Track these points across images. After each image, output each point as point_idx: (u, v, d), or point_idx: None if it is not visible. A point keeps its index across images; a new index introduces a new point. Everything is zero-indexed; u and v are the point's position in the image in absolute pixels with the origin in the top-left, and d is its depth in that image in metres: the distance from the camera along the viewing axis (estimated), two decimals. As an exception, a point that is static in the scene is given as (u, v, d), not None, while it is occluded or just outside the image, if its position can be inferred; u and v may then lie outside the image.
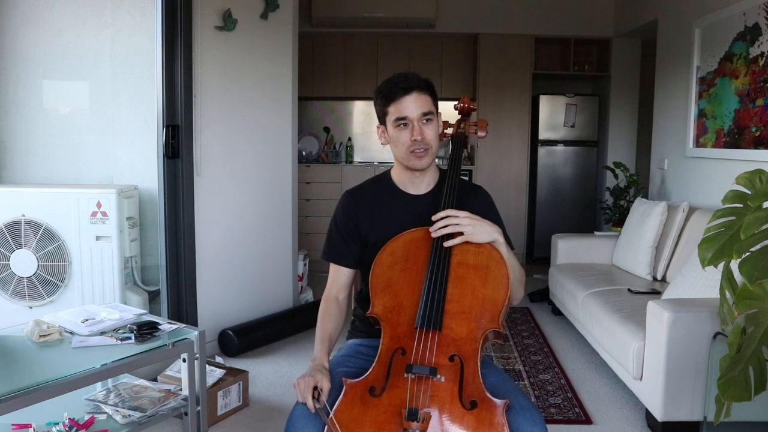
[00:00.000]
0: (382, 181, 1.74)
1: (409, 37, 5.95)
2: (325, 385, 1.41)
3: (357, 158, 6.31)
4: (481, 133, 1.75)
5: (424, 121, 1.58)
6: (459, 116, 1.80)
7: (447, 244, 1.49)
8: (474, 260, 1.51)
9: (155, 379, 2.51)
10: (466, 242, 1.52)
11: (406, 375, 1.37)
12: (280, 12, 3.60)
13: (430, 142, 1.59)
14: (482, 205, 1.70)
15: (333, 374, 1.52)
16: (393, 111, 1.58)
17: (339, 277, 1.71)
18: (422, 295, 1.46)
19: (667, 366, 2.32)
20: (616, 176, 4.87)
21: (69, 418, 1.79)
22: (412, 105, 1.56)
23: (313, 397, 1.38)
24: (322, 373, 1.45)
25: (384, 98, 1.59)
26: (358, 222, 1.69)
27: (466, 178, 5.55)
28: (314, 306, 3.99)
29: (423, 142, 1.58)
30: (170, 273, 3.06)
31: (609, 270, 3.83)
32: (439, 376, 1.36)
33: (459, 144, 1.72)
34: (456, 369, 1.39)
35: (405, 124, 1.58)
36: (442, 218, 1.49)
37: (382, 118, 1.64)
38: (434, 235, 1.49)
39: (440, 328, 1.43)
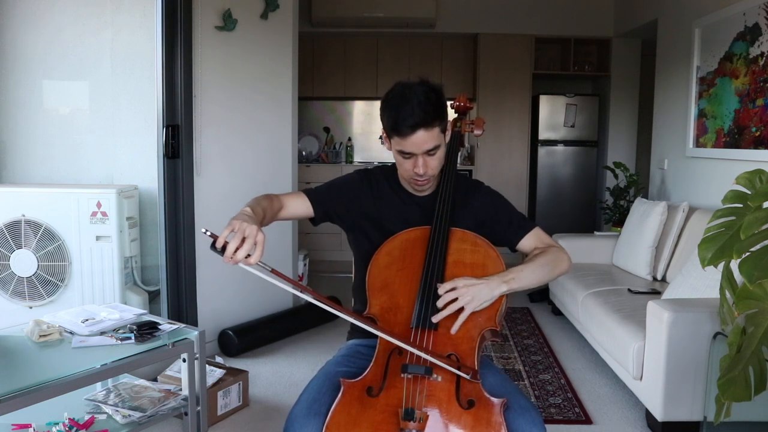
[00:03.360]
0: (390, 174, 1.73)
1: (409, 37, 5.96)
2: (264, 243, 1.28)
3: (357, 158, 6.31)
4: (477, 131, 1.74)
5: (430, 154, 1.54)
6: (455, 115, 1.79)
7: (456, 326, 1.42)
8: (470, 259, 1.51)
9: (155, 379, 2.51)
10: (463, 240, 1.53)
11: (402, 375, 1.36)
12: (280, 12, 3.60)
13: (433, 173, 1.58)
14: (485, 203, 1.70)
15: (332, 374, 1.52)
16: (397, 142, 1.53)
17: (297, 201, 1.64)
18: (418, 294, 1.46)
19: (667, 366, 2.32)
20: (616, 176, 4.87)
21: (69, 418, 1.79)
22: (418, 142, 1.50)
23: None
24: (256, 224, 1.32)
25: (389, 125, 1.53)
26: (359, 201, 1.68)
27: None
28: (314, 306, 3.99)
29: (425, 174, 1.56)
30: (170, 273, 3.06)
31: (609, 270, 3.83)
32: (435, 376, 1.36)
33: (455, 143, 1.72)
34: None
35: (409, 156, 1.55)
36: (444, 308, 1.41)
37: (387, 134, 1.58)
38: (435, 320, 1.42)
39: (436, 327, 1.43)
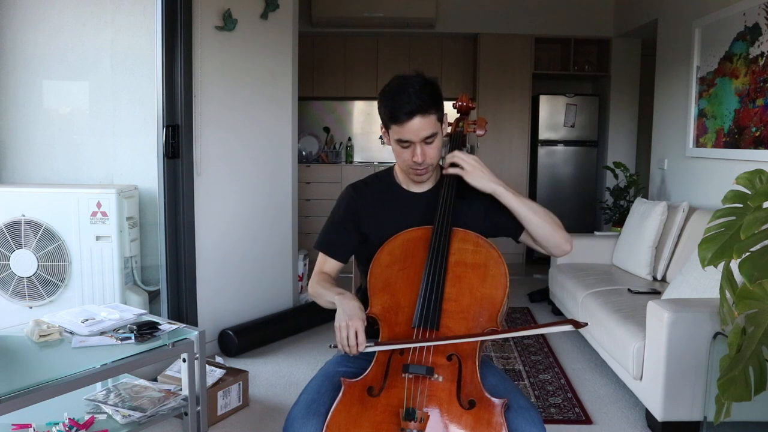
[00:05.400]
0: (384, 178, 1.74)
1: (409, 37, 5.95)
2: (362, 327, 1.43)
3: (357, 158, 6.31)
4: (479, 132, 1.75)
5: (428, 142, 1.56)
6: (458, 115, 1.79)
7: (446, 171, 1.60)
8: (472, 259, 1.51)
9: (155, 379, 2.51)
10: (465, 240, 1.53)
11: (403, 375, 1.37)
12: (280, 12, 3.60)
13: (431, 162, 1.59)
14: (483, 197, 1.69)
15: (332, 374, 1.52)
16: (396, 131, 1.55)
17: (328, 264, 1.72)
18: (420, 294, 1.47)
19: (667, 366, 2.32)
20: (616, 176, 4.87)
21: (69, 418, 1.79)
22: (415, 128, 1.52)
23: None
24: (362, 310, 1.47)
25: (387, 114, 1.55)
26: (359, 216, 1.69)
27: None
28: (314, 306, 3.99)
29: (424, 163, 1.58)
30: (170, 273, 3.06)
31: (609, 270, 3.83)
32: (436, 376, 1.36)
33: (457, 143, 1.72)
34: (454, 368, 1.39)
35: (407, 145, 1.56)
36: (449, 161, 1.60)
37: (385, 124, 1.61)
38: (446, 173, 1.60)
39: (437, 327, 1.44)
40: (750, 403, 1.66)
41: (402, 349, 1.42)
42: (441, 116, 1.58)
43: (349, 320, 1.41)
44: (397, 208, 1.68)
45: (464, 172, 1.56)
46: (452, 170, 1.58)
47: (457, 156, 1.59)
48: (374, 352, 1.43)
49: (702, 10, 3.81)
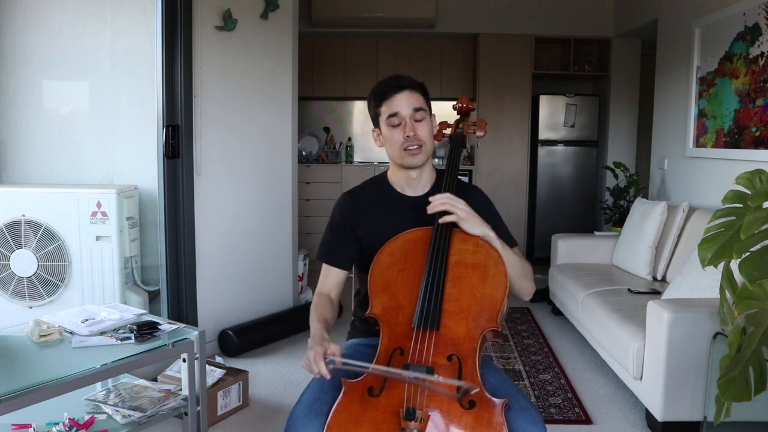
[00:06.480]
0: (378, 183, 1.75)
1: (409, 37, 5.96)
2: (334, 348, 1.36)
3: (357, 158, 6.31)
4: (479, 133, 1.75)
5: (417, 119, 1.61)
6: (458, 116, 1.80)
7: (442, 220, 1.52)
8: (472, 259, 1.51)
9: (155, 379, 2.51)
10: (465, 241, 1.53)
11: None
12: (280, 12, 3.60)
13: (423, 139, 1.62)
14: (477, 203, 1.69)
15: (333, 374, 1.52)
16: (385, 109, 1.62)
17: (330, 276, 1.70)
18: (420, 294, 1.46)
19: (667, 366, 2.32)
20: (616, 176, 4.87)
21: (69, 418, 1.79)
22: (404, 102, 1.60)
23: (325, 362, 1.34)
24: (326, 340, 1.42)
25: (377, 98, 1.64)
26: (355, 223, 1.69)
27: (466, 179, 5.56)
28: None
29: (416, 139, 1.60)
30: (170, 273, 3.06)
31: (609, 270, 3.83)
32: (436, 376, 1.36)
33: (457, 144, 1.72)
34: (454, 368, 1.39)
35: (398, 123, 1.60)
36: (440, 199, 1.53)
37: (375, 119, 1.67)
38: (430, 210, 1.53)
39: (438, 327, 1.43)
40: (750, 403, 1.66)
41: (402, 349, 1.42)
42: (428, 103, 1.65)
43: (316, 345, 1.38)
44: (394, 212, 1.68)
45: (460, 219, 1.52)
46: (448, 218, 1.52)
47: (450, 203, 1.52)
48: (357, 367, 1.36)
49: (702, 10, 3.81)
